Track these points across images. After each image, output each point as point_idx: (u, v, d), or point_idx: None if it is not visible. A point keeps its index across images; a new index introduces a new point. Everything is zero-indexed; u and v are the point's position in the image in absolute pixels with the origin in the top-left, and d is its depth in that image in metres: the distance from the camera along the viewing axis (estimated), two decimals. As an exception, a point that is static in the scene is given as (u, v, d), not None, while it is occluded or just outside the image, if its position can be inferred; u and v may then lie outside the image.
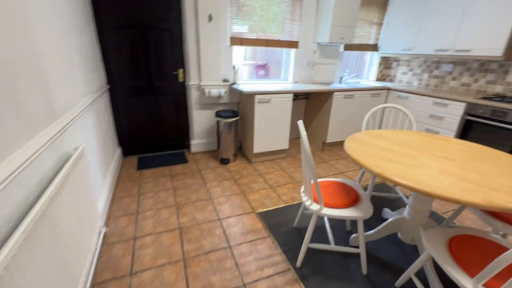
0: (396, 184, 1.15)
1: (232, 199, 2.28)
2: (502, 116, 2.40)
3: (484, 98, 2.62)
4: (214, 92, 2.95)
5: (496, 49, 2.54)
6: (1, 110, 0.85)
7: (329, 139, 3.38)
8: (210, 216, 2.04)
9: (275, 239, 1.80)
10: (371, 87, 3.33)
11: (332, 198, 1.51)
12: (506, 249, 1.17)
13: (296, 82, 3.51)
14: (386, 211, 2.06)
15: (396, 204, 2.29)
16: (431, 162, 1.35)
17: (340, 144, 3.56)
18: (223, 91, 3.00)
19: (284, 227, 1.93)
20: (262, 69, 3.64)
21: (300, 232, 1.87)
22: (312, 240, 1.81)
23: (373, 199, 2.35)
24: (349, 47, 3.63)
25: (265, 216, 2.05)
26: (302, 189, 1.61)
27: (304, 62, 3.46)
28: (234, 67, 3.10)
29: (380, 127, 3.48)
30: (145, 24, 2.65)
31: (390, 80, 4.11)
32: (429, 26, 3.10)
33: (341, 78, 3.65)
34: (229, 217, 2.03)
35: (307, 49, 3.41)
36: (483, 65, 2.93)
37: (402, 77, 3.89)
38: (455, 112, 2.75)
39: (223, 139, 2.93)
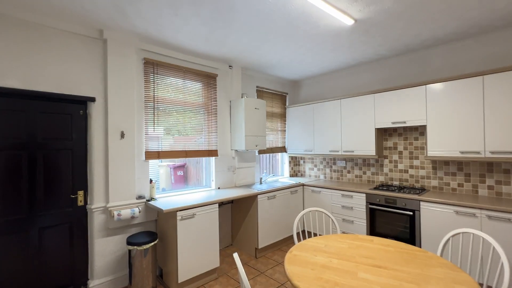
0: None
1: None
2: (393, 202, 2.90)
3: (375, 188, 3.18)
4: (126, 213, 2.50)
5: (371, 150, 3.30)
6: None
7: (261, 244, 3.21)
8: None
9: None
10: (288, 185, 3.60)
11: None
12: None
13: (219, 188, 3.46)
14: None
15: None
16: (371, 277, 1.36)
17: (272, 247, 3.42)
18: (137, 210, 2.58)
19: None
20: (181, 169, 3.49)
21: None
22: None
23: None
24: (262, 151, 4.04)
25: None
26: None
27: (225, 168, 3.54)
28: (151, 181, 2.83)
29: (309, 226, 3.60)
30: (35, 145, 2.22)
31: (301, 175, 4.63)
32: (320, 135, 3.88)
33: (261, 179, 3.86)
34: None
35: (226, 156, 3.57)
36: (365, 161, 3.72)
37: (310, 172, 4.47)
38: (360, 202, 3.18)
39: (137, 271, 2.33)
